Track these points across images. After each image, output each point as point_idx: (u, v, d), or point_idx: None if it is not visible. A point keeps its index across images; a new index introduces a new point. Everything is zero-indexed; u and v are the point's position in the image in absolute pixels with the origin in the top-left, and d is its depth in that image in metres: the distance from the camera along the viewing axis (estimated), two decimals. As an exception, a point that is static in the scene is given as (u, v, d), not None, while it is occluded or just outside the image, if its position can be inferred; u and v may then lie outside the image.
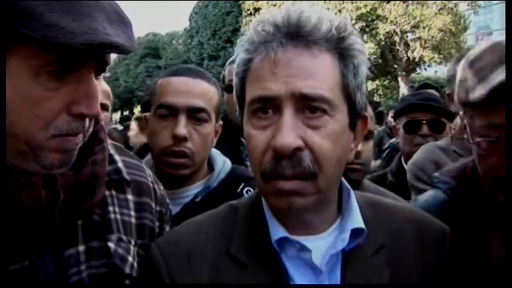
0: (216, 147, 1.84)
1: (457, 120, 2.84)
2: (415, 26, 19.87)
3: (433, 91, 3.17)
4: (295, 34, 0.90)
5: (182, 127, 1.50)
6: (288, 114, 0.89)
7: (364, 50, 0.97)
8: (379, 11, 19.89)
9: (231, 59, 2.50)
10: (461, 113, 1.20)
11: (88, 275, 0.97)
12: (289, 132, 0.88)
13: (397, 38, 20.49)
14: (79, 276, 0.96)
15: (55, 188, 0.91)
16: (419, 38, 20.15)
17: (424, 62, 21.53)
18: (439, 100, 2.65)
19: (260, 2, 21.80)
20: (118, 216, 1.06)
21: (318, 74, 0.90)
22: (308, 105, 0.89)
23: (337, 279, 0.96)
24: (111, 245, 1.01)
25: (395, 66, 21.48)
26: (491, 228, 1.13)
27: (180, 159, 1.51)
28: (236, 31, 25.60)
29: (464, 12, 21.68)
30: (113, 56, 0.95)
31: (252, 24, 0.96)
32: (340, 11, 17.55)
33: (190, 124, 1.52)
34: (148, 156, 1.66)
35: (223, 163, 1.66)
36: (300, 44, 0.90)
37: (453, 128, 2.78)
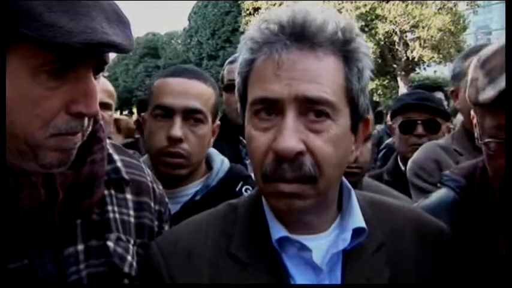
0: (215, 146, 1.85)
1: (458, 118, 2.83)
2: (415, 26, 19.87)
3: (439, 92, 3.16)
4: (300, 36, 0.89)
5: (177, 128, 1.50)
6: (291, 117, 0.88)
7: (369, 52, 0.96)
8: (379, 11, 19.90)
9: (230, 59, 2.51)
10: (472, 112, 1.20)
11: (87, 274, 0.97)
12: (292, 135, 0.87)
13: (396, 38, 20.50)
14: (78, 275, 0.96)
15: (54, 187, 0.91)
16: (418, 38, 20.15)
17: (424, 62, 21.54)
18: (435, 100, 2.65)
19: (259, 2, 21.81)
20: (117, 215, 1.06)
21: (322, 77, 0.89)
22: (311, 109, 0.89)
23: (337, 278, 0.96)
24: (110, 244, 1.01)
25: (395, 66, 21.49)
26: (500, 227, 1.13)
27: (176, 159, 1.52)
28: (235, 31, 25.59)
29: (463, 12, 21.69)
30: (112, 56, 0.95)
31: (256, 23, 0.95)
32: (339, 10, 17.56)
33: (186, 125, 1.52)
34: (145, 156, 1.66)
35: (221, 162, 1.67)
36: (305, 46, 0.89)
37: (452, 128, 2.78)
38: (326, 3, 16.96)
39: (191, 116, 1.52)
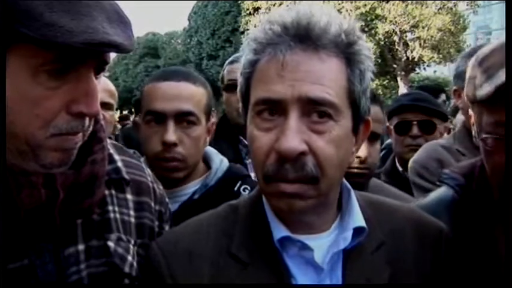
0: (215, 146, 1.85)
1: (458, 118, 2.83)
2: (414, 26, 19.86)
3: (442, 95, 3.15)
4: (304, 37, 0.90)
5: (171, 133, 1.50)
6: (293, 118, 0.89)
7: (371, 54, 0.97)
8: (378, 11, 19.89)
9: (230, 59, 2.51)
10: (470, 111, 1.21)
11: (87, 274, 0.97)
12: (294, 136, 0.88)
13: (396, 38, 20.49)
14: (78, 275, 0.96)
15: (55, 187, 0.91)
16: (418, 38, 20.14)
17: (423, 62, 21.53)
18: (431, 101, 2.64)
19: (259, 2, 21.82)
20: (117, 215, 1.06)
21: (325, 78, 0.90)
22: (314, 110, 0.89)
23: (338, 277, 0.96)
24: (110, 244, 1.01)
25: (395, 66, 21.48)
26: (499, 226, 1.14)
27: (172, 163, 1.52)
28: (235, 31, 25.59)
29: (463, 12, 21.67)
30: (112, 56, 0.95)
31: (260, 23, 0.96)
32: (339, 10, 17.56)
33: (179, 129, 1.52)
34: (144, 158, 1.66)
35: (220, 161, 1.67)
36: (309, 48, 0.90)
37: (452, 128, 2.78)
38: (326, 3, 16.96)
39: (184, 119, 1.52)
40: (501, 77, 1.02)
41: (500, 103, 1.03)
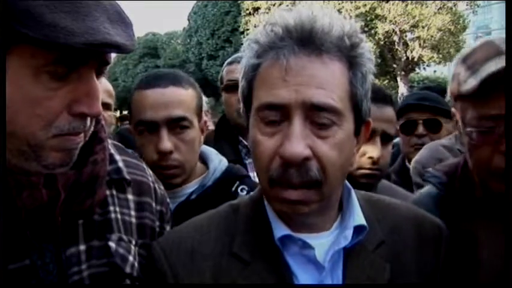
0: (215, 146, 1.84)
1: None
2: (414, 26, 19.87)
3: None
4: (307, 41, 0.90)
5: (166, 141, 1.47)
6: (298, 123, 0.89)
7: (372, 57, 0.97)
8: (378, 11, 19.89)
9: (229, 60, 2.50)
10: (453, 109, 1.22)
11: (89, 274, 0.97)
12: (299, 141, 0.88)
13: (396, 38, 20.50)
14: (80, 275, 0.96)
15: (56, 188, 0.91)
16: (418, 38, 20.15)
17: (423, 62, 21.54)
18: (436, 99, 2.65)
19: (259, 2, 21.81)
20: (118, 215, 1.06)
21: (329, 83, 0.90)
22: (317, 115, 0.89)
23: (339, 275, 0.97)
24: (111, 244, 1.02)
25: (395, 65, 21.49)
26: (480, 225, 1.15)
27: (170, 170, 1.50)
28: (235, 31, 25.57)
29: (463, 12, 21.67)
30: (112, 56, 0.95)
31: (262, 25, 0.95)
32: (339, 10, 17.54)
33: (173, 135, 1.50)
34: None
35: (219, 162, 1.66)
36: (312, 52, 0.90)
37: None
38: (326, 3, 16.96)
39: (176, 125, 1.50)
40: (485, 70, 1.05)
41: (484, 96, 1.06)
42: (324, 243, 0.98)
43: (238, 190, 1.58)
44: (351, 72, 0.93)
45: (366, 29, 19.67)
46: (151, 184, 1.18)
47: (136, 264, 1.05)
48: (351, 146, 0.97)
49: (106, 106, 2.26)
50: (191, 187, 1.58)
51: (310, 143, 0.89)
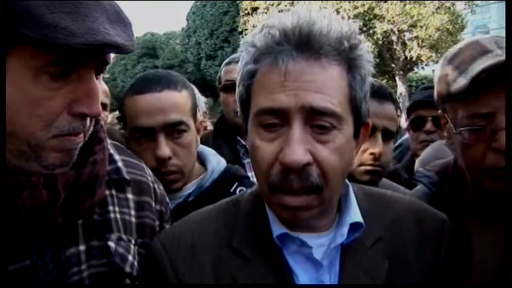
0: (213, 146, 1.83)
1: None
2: (413, 25, 19.85)
3: None
4: (305, 46, 0.89)
5: (164, 148, 1.44)
6: (297, 128, 0.88)
7: (371, 58, 0.96)
8: (377, 10, 19.87)
9: (227, 60, 2.50)
10: (439, 111, 1.23)
11: (88, 274, 0.98)
12: (299, 147, 0.87)
13: (394, 37, 20.47)
14: (80, 275, 0.96)
15: (56, 188, 0.92)
16: (416, 37, 20.13)
17: (422, 61, 21.51)
18: None
19: (257, 2, 21.77)
20: (118, 215, 1.07)
21: (328, 87, 0.89)
22: (317, 119, 0.89)
23: (336, 271, 0.97)
24: (111, 244, 1.02)
25: (393, 65, 21.46)
26: (473, 223, 1.15)
27: (169, 176, 1.48)
28: (233, 31, 25.53)
29: (461, 12, 21.66)
30: (111, 56, 0.95)
31: (258, 27, 0.94)
32: (337, 10, 17.53)
33: (171, 140, 1.46)
34: None
35: (217, 162, 1.64)
36: (311, 56, 0.89)
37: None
38: (324, 3, 16.96)
39: (173, 129, 1.46)
40: (475, 69, 1.05)
41: (474, 95, 1.06)
42: (323, 242, 0.98)
43: (237, 191, 1.56)
44: (350, 75, 0.93)
45: (364, 28, 19.65)
46: (151, 184, 1.18)
47: (136, 263, 1.05)
48: (351, 149, 0.97)
49: (103, 106, 2.25)
50: (189, 189, 1.56)
51: (311, 148, 0.89)
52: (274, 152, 0.90)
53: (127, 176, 1.10)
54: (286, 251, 0.98)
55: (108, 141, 1.08)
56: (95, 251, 1.00)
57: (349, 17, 0.99)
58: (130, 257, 1.04)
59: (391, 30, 20.10)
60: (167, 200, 1.25)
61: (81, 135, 0.92)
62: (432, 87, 1.32)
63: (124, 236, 1.06)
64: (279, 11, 0.96)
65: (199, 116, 1.61)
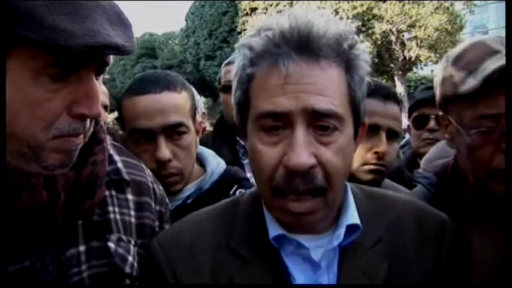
0: (213, 147, 1.83)
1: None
2: (411, 25, 19.86)
3: None
4: (305, 48, 0.88)
5: (164, 150, 1.42)
6: (300, 131, 0.88)
7: (368, 58, 0.96)
8: (375, 11, 19.87)
9: (227, 60, 2.50)
10: (440, 113, 1.22)
11: (88, 275, 0.98)
12: (303, 150, 0.87)
13: (393, 37, 20.49)
14: (80, 276, 0.97)
15: (56, 189, 0.92)
16: (415, 37, 20.14)
17: (421, 61, 21.52)
18: None
19: (256, 2, 21.77)
20: (118, 216, 1.07)
21: (329, 89, 0.89)
22: (319, 121, 0.89)
23: (335, 272, 0.97)
24: (111, 245, 1.02)
25: (392, 65, 21.48)
26: (472, 224, 1.14)
27: (169, 178, 1.46)
28: (232, 31, 25.53)
29: (460, 12, 21.67)
30: (111, 57, 0.95)
31: (255, 30, 0.93)
32: (336, 10, 17.52)
33: (170, 142, 1.45)
34: None
35: (217, 164, 1.63)
36: (310, 58, 0.89)
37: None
38: (323, 3, 16.97)
39: (173, 131, 1.44)
40: (487, 68, 1.04)
41: (484, 95, 1.05)
42: (320, 244, 0.98)
43: (237, 193, 1.53)
44: (349, 75, 0.93)
45: (363, 29, 19.65)
46: (151, 184, 1.18)
47: (135, 264, 1.05)
48: (352, 149, 0.97)
49: (103, 107, 2.25)
50: (188, 190, 1.55)
51: (314, 150, 0.88)
52: (278, 155, 0.89)
53: (127, 177, 1.10)
54: (283, 252, 0.97)
55: (108, 141, 1.08)
56: (95, 251, 1.00)
57: (348, 17, 0.99)
58: (130, 258, 1.04)
59: (390, 30, 20.12)
60: (167, 200, 1.25)
61: (81, 136, 0.92)
62: (431, 88, 1.31)
63: (124, 237, 1.06)
64: (277, 11, 0.96)
65: (199, 117, 1.60)
